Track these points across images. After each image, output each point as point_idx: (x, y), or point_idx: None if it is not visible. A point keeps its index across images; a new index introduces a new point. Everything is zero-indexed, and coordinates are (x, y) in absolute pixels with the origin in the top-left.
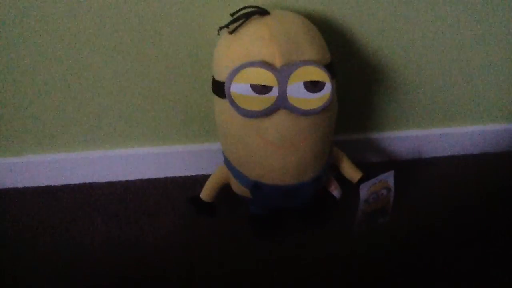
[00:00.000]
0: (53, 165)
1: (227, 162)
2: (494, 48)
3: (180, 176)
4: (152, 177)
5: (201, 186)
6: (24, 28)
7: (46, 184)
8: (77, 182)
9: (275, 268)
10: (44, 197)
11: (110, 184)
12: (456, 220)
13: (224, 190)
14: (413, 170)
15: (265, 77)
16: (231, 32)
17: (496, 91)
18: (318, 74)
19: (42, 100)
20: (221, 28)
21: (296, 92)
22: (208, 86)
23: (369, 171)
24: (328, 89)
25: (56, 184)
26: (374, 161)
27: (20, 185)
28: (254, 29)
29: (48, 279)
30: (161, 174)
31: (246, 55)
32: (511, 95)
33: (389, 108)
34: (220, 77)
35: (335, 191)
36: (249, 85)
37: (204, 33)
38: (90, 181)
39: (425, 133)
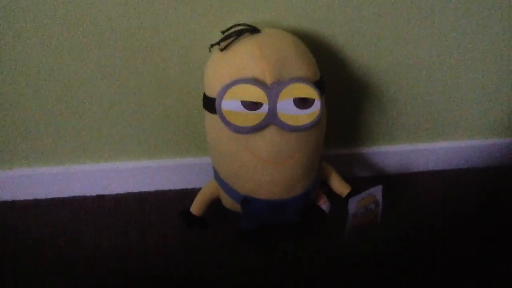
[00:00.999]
0: (42, 179)
1: (217, 177)
2: (481, 65)
3: (170, 190)
4: (143, 191)
5: (191, 200)
6: (17, 43)
7: (35, 198)
8: (67, 196)
9: (264, 279)
10: (33, 210)
11: (100, 198)
12: (443, 233)
13: (215, 204)
14: (401, 184)
15: (256, 93)
16: (222, 50)
17: (482, 107)
18: (307, 91)
19: (32, 114)
20: (212, 45)
21: (286, 108)
22: (199, 102)
23: (357, 185)
24: (317, 106)
25: (45, 198)
26: (363, 176)
27: (9, 198)
28: (245, 47)
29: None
30: (151, 188)
31: (237, 72)
32: (497, 111)
33: (377, 124)
34: (211, 93)
35: (324, 205)
36: (240, 102)
37: (195, 49)
38: (80, 195)
39: (413, 148)
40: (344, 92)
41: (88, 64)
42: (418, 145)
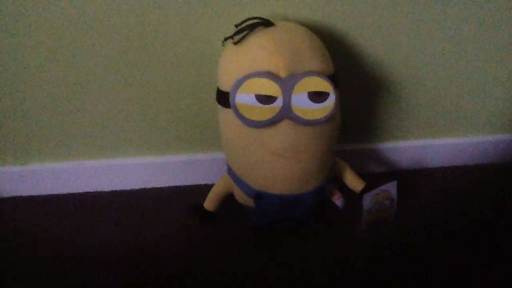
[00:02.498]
0: (56, 174)
1: (230, 172)
2: (495, 60)
3: (183, 186)
4: (156, 186)
5: (204, 196)
6: (27, 39)
7: (48, 193)
8: (80, 191)
9: (275, 276)
10: (46, 205)
11: (113, 193)
12: (457, 229)
13: (226, 200)
14: (414, 180)
15: (270, 87)
16: (236, 43)
17: (497, 103)
18: (322, 84)
19: (46, 109)
20: (226, 39)
21: (300, 102)
22: (212, 96)
23: (371, 181)
24: (331, 99)
25: (58, 193)
26: (376, 171)
27: (23, 193)
28: (258, 40)
29: (50, 286)
30: (164, 184)
31: (251, 66)
32: (511, 107)
33: (391, 119)
34: (225, 87)
35: (338, 201)
36: (254, 95)
37: (208, 43)
38: (93, 190)
39: (427, 144)
40: (357, 86)
41: (100, 59)
42: (432, 140)
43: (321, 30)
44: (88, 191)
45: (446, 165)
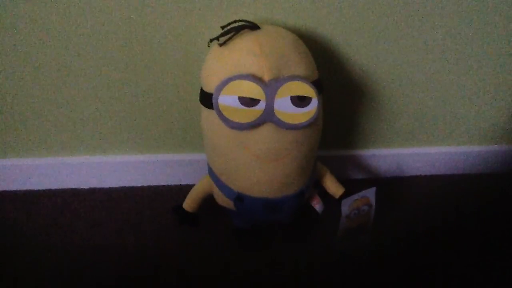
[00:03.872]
0: (34, 169)
1: (211, 173)
2: (478, 71)
3: (164, 185)
4: (136, 185)
5: (184, 196)
6: (15, 34)
7: (26, 188)
8: (59, 188)
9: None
10: (24, 201)
11: (92, 191)
12: (435, 237)
13: (208, 201)
14: (395, 187)
15: (253, 90)
16: (221, 45)
17: (477, 114)
18: (305, 89)
19: (26, 104)
20: (211, 40)
21: (283, 106)
22: (195, 97)
23: (351, 187)
24: (314, 104)
25: (37, 189)
26: (357, 178)
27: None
28: (244, 43)
29: (26, 284)
30: (144, 183)
31: (235, 68)
32: (491, 119)
33: (373, 126)
34: (209, 88)
35: (318, 206)
36: (237, 97)
37: (194, 44)
38: (73, 187)
39: (407, 152)
40: (340, 93)
41: (85, 56)
42: (413, 149)
43: (306, 36)
44: (67, 187)
45: (426, 174)
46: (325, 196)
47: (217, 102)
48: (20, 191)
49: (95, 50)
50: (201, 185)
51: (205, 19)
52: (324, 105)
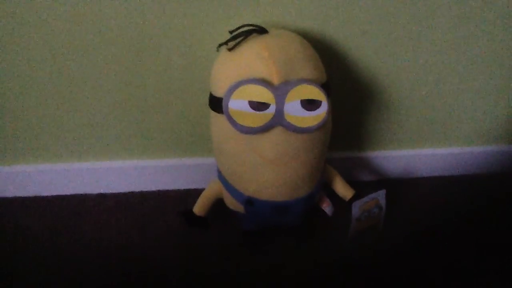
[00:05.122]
0: (43, 175)
1: (221, 177)
2: (485, 71)
3: (173, 190)
4: (144, 190)
5: (194, 200)
6: (20, 37)
7: (35, 194)
8: (68, 193)
9: (265, 281)
10: (33, 207)
11: (101, 196)
12: (444, 238)
13: (217, 205)
14: (403, 189)
15: (263, 94)
16: (230, 49)
17: (486, 114)
18: (315, 93)
19: (35, 110)
20: (220, 45)
21: (293, 110)
22: (204, 101)
23: (360, 189)
24: (324, 107)
25: (46, 195)
26: (365, 180)
27: (9, 194)
28: (253, 47)
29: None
30: (153, 187)
31: (245, 72)
32: (500, 118)
33: (381, 128)
34: (218, 93)
35: (327, 208)
36: (247, 102)
37: (203, 49)
38: (81, 193)
39: (416, 153)
40: (348, 95)
41: (92, 61)
42: (421, 150)
43: (314, 39)
44: (76, 193)
45: (435, 175)
46: (335, 198)
47: (227, 106)
48: (29, 197)
49: (103, 56)
50: (211, 189)
51: (213, 24)
52: (332, 107)
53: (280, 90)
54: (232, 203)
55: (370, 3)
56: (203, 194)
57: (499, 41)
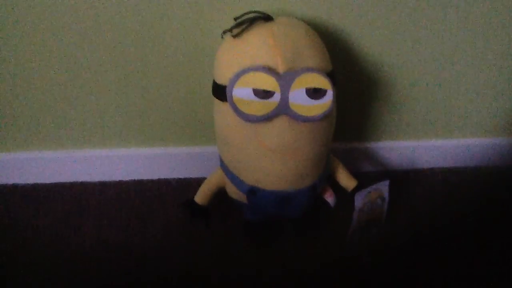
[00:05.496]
0: (44, 163)
1: (223, 166)
2: (489, 63)
3: (174, 178)
4: (146, 178)
5: (195, 189)
6: (22, 26)
7: (36, 182)
8: (69, 181)
9: (268, 273)
10: (33, 195)
11: (102, 184)
12: (449, 230)
13: (219, 195)
14: (407, 180)
15: (268, 82)
16: (234, 36)
17: (491, 105)
18: (320, 81)
19: (36, 96)
20: (225, 31)
21: (298, 98)
22: (207, 89)
23: (364, 180)
24: (329, 96)
25: (46, 182)
26: (369, 170)
27: (9, 181)
28: (258, 34)
29: (36, 278)
30: (154, 176)
31: (249, 60)
32: (505, 110)
33: (385, 118)
34: (222, 81)
35: (330, 199)
36: (251, 90)
37: (206, 35)
38: (82, 180)
39: (420, 144)
40: (353, 85)
41: (93, 49)
42: (426, 141)
43: (320, 27)
44: (76, 181)
45: (439, 166)
46: (338, 189)
47: (231, 94)
48: (29, 184)
49: (104, 43)
50: (213, 179)
51: (218, 10)
52: (337, 97)
53: (285, 78)
54: (234, 192)
55: None
56: (205, 183)
57: (506, 34)
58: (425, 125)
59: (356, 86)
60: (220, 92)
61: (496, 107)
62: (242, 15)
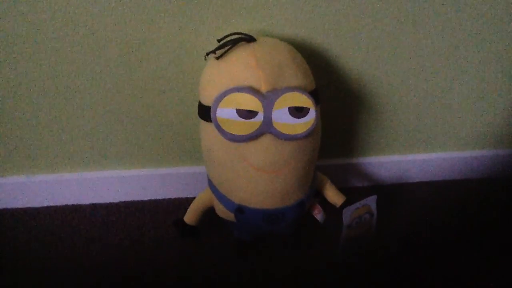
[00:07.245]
0: (34, 186)
1: (211, 185)
2: (475, 77)
3: (164, 199)
4: (136, 200)
5: (185, 209)
6: (12, 50)
7: (27, 206)
8: (59, 204)
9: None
10: (25, 218)
11: (93, 206)
12: (437, 243)
13: (208, 212)
14: (395, 195)
15: (251, 102)
16: (218, 58)
17: (476, 119)
18: (302, 100)
19: (26, 121)
20: (208, 53)
21: (281, 117)
22: (194, 110)
23: (352, 195)
24: (312, 115)
25: (37, 206)
26: (357, 186)
27: (0, 206)
28: (240, 55)
29: None
30: (145, 197)
31: (233, 81)
32: (490, 123)
33: (371, 134)
34: (207, 102)
35: (319, 215)
36: (235, 110)
37: (191, 58)
38: (73, 203)
39: (407, 159)
40: (338, 102)
41: (83, 71)
42: (412, 155)
43: (302, 46)
44: (67, 204)
45: (426, 180)
46: (326, 205)
47: (215, 115)
48: (20, 208)
49: (92, 66)
50: (201, 198)
51: (201, 33)
52: (323, 114)
53: (268, 98)
54: (222, 211)
55: (358, 10)
56: (194, 202)
57: (490, 46)
58: (412, 139)
59: (341, 103)
60: (205, 113)
61: (483, 121)
62: (225, 36)
